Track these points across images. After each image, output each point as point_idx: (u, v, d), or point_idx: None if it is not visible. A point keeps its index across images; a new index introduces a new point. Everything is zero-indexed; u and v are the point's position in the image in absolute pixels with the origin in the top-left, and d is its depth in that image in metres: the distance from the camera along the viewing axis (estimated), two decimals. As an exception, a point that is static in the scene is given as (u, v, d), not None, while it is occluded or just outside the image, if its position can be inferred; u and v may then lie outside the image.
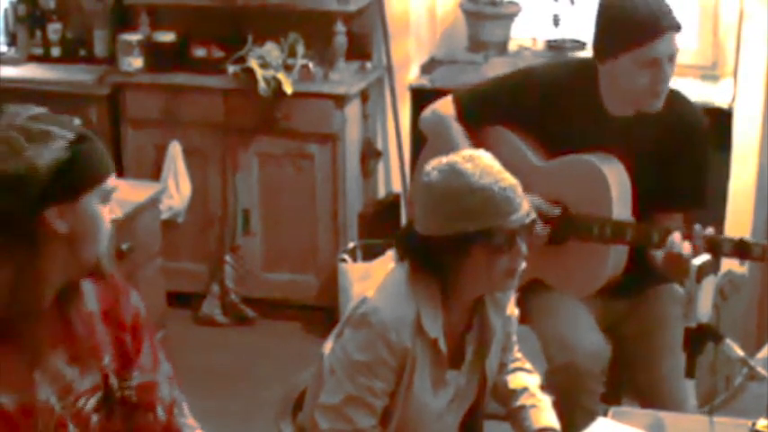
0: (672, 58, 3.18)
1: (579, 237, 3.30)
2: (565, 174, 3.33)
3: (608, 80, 3.27)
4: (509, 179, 2.58)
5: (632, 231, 3.23)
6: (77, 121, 2.17)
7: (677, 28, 3.18)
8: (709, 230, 3.10)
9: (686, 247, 3.07)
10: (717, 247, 3.11)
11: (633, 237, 3.23)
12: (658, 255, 3.20)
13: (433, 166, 2.62)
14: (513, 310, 2.85)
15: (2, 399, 2.12)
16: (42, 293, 2.15)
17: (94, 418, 2.25)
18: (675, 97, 3.33)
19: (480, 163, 2.58)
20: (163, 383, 2.37)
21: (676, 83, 3.39)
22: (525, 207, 2.59)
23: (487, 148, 2.76)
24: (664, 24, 3.14)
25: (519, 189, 2.59)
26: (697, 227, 3.10)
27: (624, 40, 3.16)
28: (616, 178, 3.27)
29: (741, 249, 3.10)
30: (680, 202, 3.34)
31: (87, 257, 2.18)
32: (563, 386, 3.21)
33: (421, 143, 3.63)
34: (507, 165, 2.63)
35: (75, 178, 2.11)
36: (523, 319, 3.07)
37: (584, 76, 3.32)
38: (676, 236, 3.10)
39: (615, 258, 3.32)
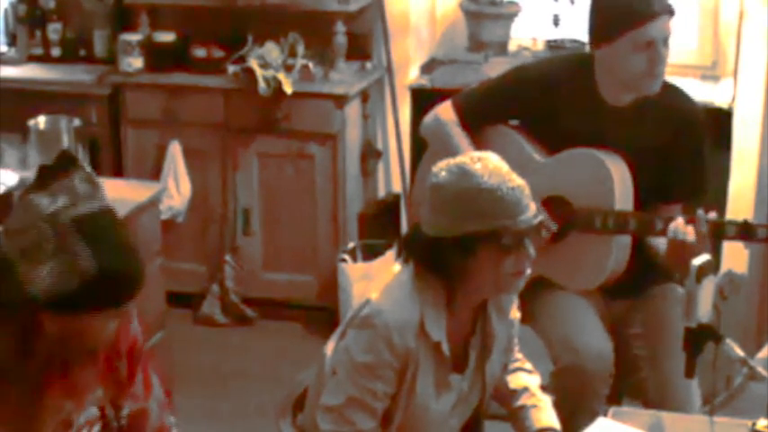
0: (666, 41, 3.25)
1: (581, 230, 3.31)
2: (567, 168, 3.34)
3: (604, 67, 3.30)
4: (517, 180, 2.58)
5: (635, 220, 3.25)
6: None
7: (670, 12, 3.25)
8: (712, 215, 3.12)
9: (690, 232, 3.08)
10: (721, 231, 3.13)
11: (636, 226, 3.25)
12: (661, 247, 3.20)
13: (442, 166, 2.62)
14: (515, 313, 2.85)
15: None
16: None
17: None
18: (671, 90, 3.37)
19: (489, 164, 2.58)
20: (154, 410, 2.35)
21: (676, 82, 3.43)
22: (533, 208, 2.59)
23: (489, 149, 2.76)
24: (657, 7, 3.22)
25: (527, 190, 2.59)
26: (700, 212, 3.12)
27: (620, 22, 3.22)
28: (619, 172, 3.29)
29: (745, 231, 3.12)
30: (680, 194, 3.36)
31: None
32: (569, 387, 3.20)
33: (421, 143, 3.64)
34: (509, 163, 2.64)
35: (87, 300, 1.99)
36: (525, 319, 3.06)
37: (580, 68, 3.36)
38: (679, 221, 3.13)
39: (618, 252, 3.32)
